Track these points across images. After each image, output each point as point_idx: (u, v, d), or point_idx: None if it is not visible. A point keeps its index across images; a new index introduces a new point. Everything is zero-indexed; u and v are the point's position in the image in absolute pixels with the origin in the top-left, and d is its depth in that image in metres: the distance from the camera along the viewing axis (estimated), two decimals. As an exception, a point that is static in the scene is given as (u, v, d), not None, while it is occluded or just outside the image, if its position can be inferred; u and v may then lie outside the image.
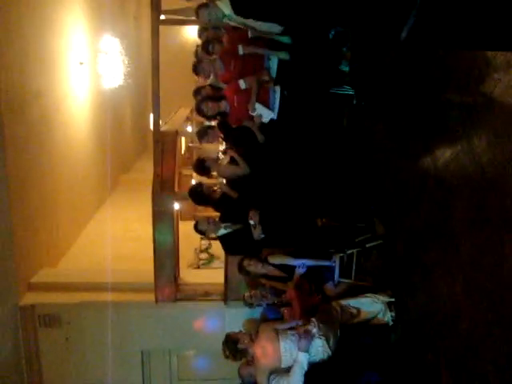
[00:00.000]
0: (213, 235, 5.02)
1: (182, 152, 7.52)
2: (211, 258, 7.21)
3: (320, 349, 4.05)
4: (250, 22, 4.66)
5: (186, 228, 6.64)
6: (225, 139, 5.73)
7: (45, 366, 6.45)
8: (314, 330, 4.03)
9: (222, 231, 4.92)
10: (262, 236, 4.67)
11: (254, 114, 4.93)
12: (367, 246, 4.72)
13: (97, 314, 6.42)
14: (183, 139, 7.44)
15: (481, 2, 1.98)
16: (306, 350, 3.91)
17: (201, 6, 4.59)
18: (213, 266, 7.20)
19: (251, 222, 4.61)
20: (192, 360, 6.67)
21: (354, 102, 5.28)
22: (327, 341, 4.06)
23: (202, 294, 6.45)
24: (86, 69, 8.63)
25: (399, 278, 4.42)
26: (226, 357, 4.14)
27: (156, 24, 5.58)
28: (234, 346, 4.11)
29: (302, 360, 3.89)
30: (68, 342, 6.42)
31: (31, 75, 6.57)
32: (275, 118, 5.21)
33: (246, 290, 6.28)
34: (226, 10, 4.57)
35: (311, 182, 5.00)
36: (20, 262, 6.29)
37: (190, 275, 7.07)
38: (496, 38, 2.08)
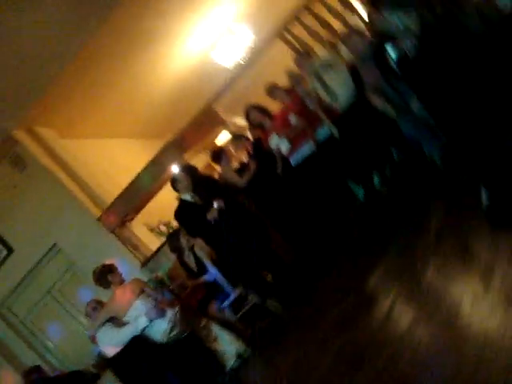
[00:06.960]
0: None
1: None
2: (168, 231, 7.44)
3: (162, 330, 4.29)
4: None
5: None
6: (253, 155, 6.15)
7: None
8: (169, 312, 4.32)
9: (187, 197, 5.33)
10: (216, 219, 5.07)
11: (273, 146, 5.42)
12: (265, 304, 4.92)
13: (49, 184, 6.79)
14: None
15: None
16: (150, 320, 4.20)
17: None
18: (162, 239, 7.44)
19: (215, 205, 5.06)
20: (77, 287, 6.85)
21: (358, 203, 5.55)
22: (171, 329, 4.31)
23: (132, 245, 6.77)
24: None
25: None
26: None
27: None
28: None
29: (141, 322, 4.19)
30: (14, 189, 6.82)
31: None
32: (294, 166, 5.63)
33: (163, 271, 6.59)
34: None
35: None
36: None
37: (138, 230, 7.38)
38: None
